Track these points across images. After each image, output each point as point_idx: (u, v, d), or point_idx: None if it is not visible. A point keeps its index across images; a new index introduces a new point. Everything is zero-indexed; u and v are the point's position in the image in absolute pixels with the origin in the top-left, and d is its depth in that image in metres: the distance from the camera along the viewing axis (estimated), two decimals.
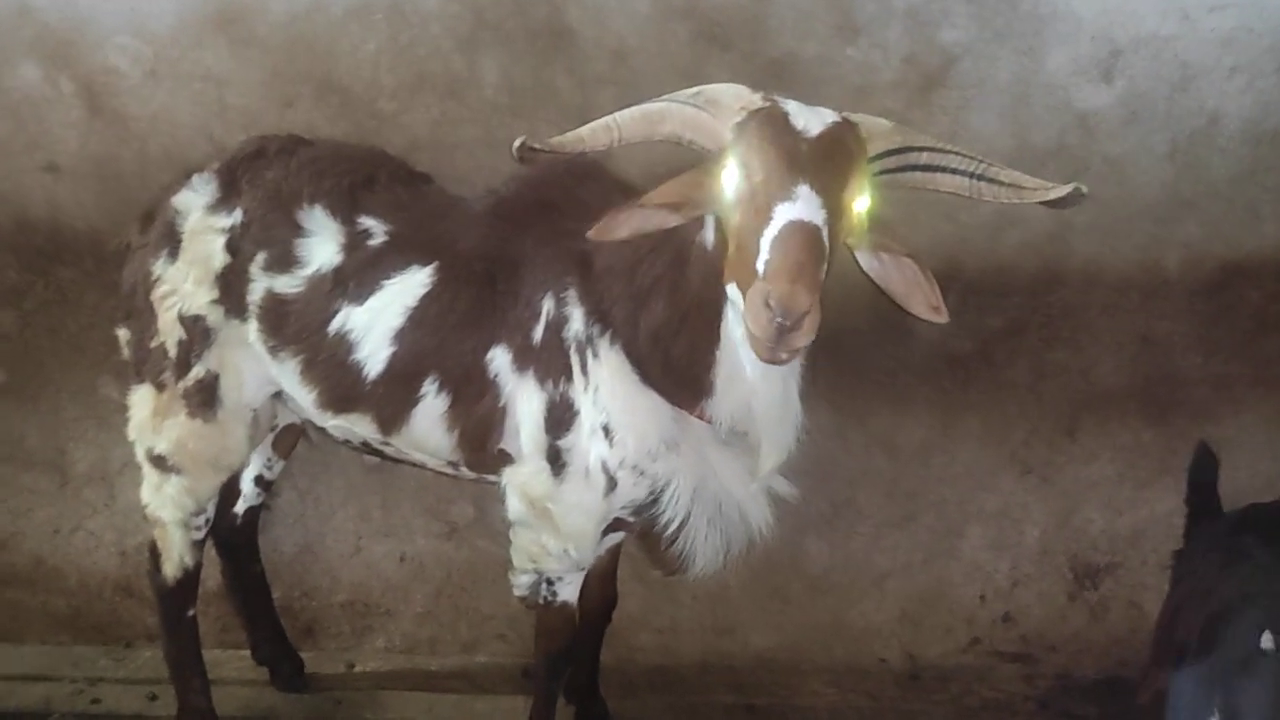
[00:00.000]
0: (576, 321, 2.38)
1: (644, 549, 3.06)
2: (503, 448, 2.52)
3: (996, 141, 3.09)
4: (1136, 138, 3.11)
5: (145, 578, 2.96)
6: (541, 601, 2.66)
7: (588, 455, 2.41)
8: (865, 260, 2.12)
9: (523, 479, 2.50)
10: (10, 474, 3.42)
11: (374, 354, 2.50)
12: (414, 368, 2.50)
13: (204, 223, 2.62)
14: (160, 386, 2.69)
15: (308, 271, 2.53)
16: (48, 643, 3.47)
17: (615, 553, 2.94)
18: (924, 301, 2.07)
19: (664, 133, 2.09)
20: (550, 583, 2.63)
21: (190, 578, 2.87)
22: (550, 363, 2.41)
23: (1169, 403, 3.35)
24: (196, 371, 2.65)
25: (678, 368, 2.28)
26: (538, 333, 2.42)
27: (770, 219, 1.89)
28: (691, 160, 2.12)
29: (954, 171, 2.04)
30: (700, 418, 2.33)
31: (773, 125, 1.97)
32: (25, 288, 3.28)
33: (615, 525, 2.59)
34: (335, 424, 2.65)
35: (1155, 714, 2.34)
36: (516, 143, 1.97)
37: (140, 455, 2.78)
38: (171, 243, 2.64)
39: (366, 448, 2.72)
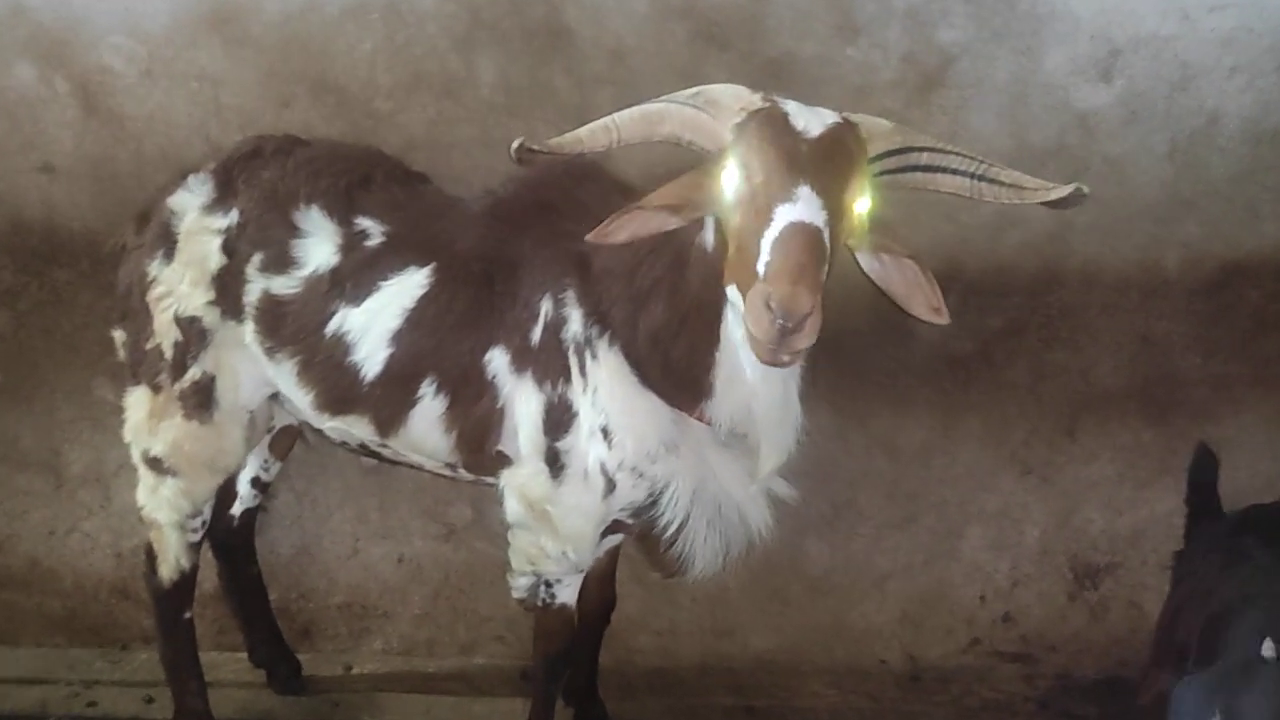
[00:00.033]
0: (575, 323, 2.36)
1: (643, 551, 3.06)
2: (501, 449, 2.50)
3: (995, 141, 3.08)
4: (1136, 137, 3.11)
5: (141, 580, 2.95)
6: (540, 604, 2.64)
7: (586, 457, 2.40)
8: (866, 261, 2.10)
9: (521, 481, 2.49)
10: (5, 475, 3.41)
11: (371, 355, 2.49)
12: (412, 369, 2.48)
13: (200, 223, 2.60)
14: (156, 388, 2.68)
15: (304, 272, 2.52)
16: (43, 645, 3.46)
17: (614, 555, 2.92)
18: (925, 303, 2.06)
19: (663, 134, 2.08)
20: (549, 585, 2.62)
21: (186, 580, 2.86)
22: (548, 364, 2.40)
23: (1169, 403, 3.35)
24: (193, 373, 2.63)
25: (677, 369, 2.26)
26: (536, 334, 2.41)
27: (771, 220, 1.88)
28: (690, 160, 2.11)
29: (955, 172, 2.03)
30: (700, 419, 2.32)
31: (773, 126, 1.96)
32: (20, 289, 3.26)
33: (614, 527, 2.58)
34: (332, 426, 2.64)
35: (1156, 715, 2.33)
36: (515, 144, 1.96)
37: (136, 457, 2.76)
38: (167, 244, 2.63)
39: (364, 449, 2.71)
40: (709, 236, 2.13)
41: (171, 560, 2.82)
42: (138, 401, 2.72)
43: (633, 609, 3.39)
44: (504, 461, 2.52)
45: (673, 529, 2.40)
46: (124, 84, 3.09)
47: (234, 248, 2.57)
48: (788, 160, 1.91)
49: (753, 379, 2.18)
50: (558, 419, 2.40)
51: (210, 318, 2.61)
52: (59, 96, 3.10)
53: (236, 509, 3.13)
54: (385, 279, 2.48)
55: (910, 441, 3.40)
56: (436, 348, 2.46)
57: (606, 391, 2.34)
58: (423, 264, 2.48)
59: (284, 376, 2.60)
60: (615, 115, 2.07)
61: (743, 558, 2.52)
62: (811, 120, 1.98)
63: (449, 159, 3.06)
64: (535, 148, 1.98)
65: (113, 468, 3.35)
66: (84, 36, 3.05)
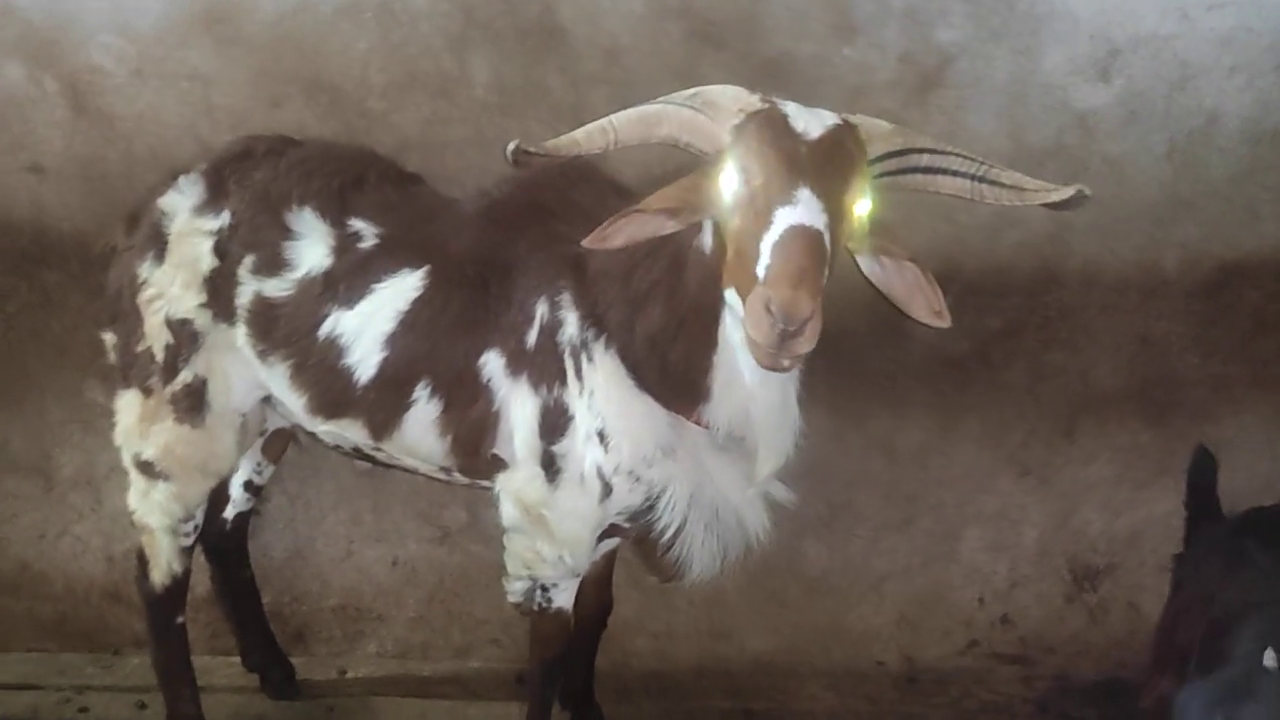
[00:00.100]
0: (571, 326, 2.34)
1: (640, 555, 3.03)
2: (496, 453, 2.48)
3: (994, 141, 3.06)
4: (1135, 137, 3.10)
5: (133, 583, 2.92)
6: (536, 608, 2.62)
7: (583, 461, 2.38)
8: (866, 264, 2.09)
9: (517, 485, 2.47)
10: None
11: (365, 359, 2.46)
12: (405, 373, 2.46)
13: (191, 225, 2.58)
14: (147, 391, 2.65)
15: (297, 275, 2.49)
16: (34, 650, 3.43)
17: (611, 558, 2.91)
18: (926, 306, 2.05)
19: (661, 135, 2.05)
20: (545, 589, 2.60)
21: (179, 585, 2.83)
22: (544, 367, 2.38)
23: (1167, 403, 3.34)
24: (184, 376, 2.61)
25: (674, 373, 2.24)
26: (531, 337, 2.39)
27: (771, 223, 1.86)
28: (688, 160, 2.09)
29: (955, 173, 2.02)
30: (697, 423, 2.30)
31: (772, 128, 1.94)
32: (9, 290, 3.23)
33: (611, 531, 2.57)
34: (326, 429, 2.61)
35: (1157, 719, 2.33)
36: (510, 146, 1.94)
37: (127, 461, 2.73)
38: (158, 245, 2.60)
39: (358, 453, 2.69)
40: (707, 239, 2.11)
41: (163, 565, 2.79)
42: (128, 405, 2.69)
43: (629, 611, 3.37)
44: (499, 465, 2.50)
45: (670, 533, 2.38)
46: (114, 83, 3.06)
47: (225, 249, 2.54)
48: (787, 162, 1.89)
49: (751, 383, 2.16)
50: (553, 422, 2.38)
51: (202, 320, 2.58)
52: (48, 96, 3.07)
53: (229, 512, 3.11)
54: (379, 281, 2.46)
55: (908, 443, 3.38)
56: (431, 351, 2.44)
57: (603, 395, 2.32)
58: (417, 266, 2.46)
59: (277, 380, 2.57)
60: (612, 117, 2.05)
61: (740, 560, 2.50)
62: (811, 122, 1.96)
63: (443, 159, 3.04)
64: (531, 150, 1.95)
65: (104, 471, 3.32)
66: (73, 35, 3.02)
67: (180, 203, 2.60)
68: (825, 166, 1.91)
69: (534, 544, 2.50)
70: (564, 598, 2.62)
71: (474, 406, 2.45)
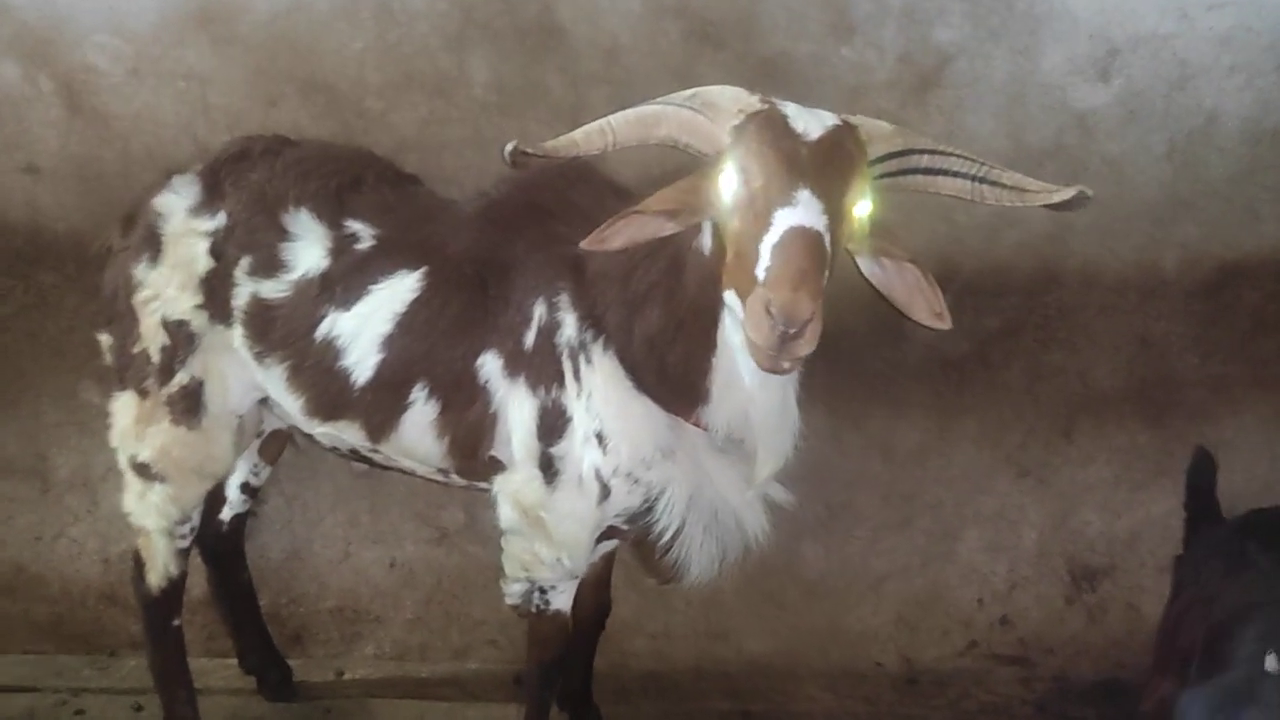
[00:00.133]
0: (569, 327, 2.33)
1: (638, 557, 3.02)
2: (494, 455, 2.47)
3: (992, 142, 3.06)
4: (1134, 137, 3.09)
5: (129, 585, 2.91)
6: (534, 610, 2.62)
7: (581, 463, 2.37)
8: (866, 266, 2.08)
9: (515, 487, 2.46)
10: None
11: (362, 360, 2.45)
12: (403, 374, 2.45)
13: (186, 226, 2.56)
14: (143, 393, 2.63)
15: (294, 276, 2.48)
16: (30, 652, 3.41)
17: (609, 560, 2.90)
18: (926, 308, 2.04)
19: (659, 136, 2.04)
20: (543, 591, 2.59)
21: (175, 587, 2.82)
22: (542, 369, 2.37)
23: (1166, 404, 3.34)
24: (180, 378, 2.59)
25: (673, 375, 2.23)
26: (529, 338, 2.38)
27: (770, 225, 1.85)
28: (686, 160, 2.08)
29: (955, 174, 2.01)
30: (696, 425, 2.29)
31: (772, 128, 1.93)
32: (4, 292, 3.22)
33: (609, 533, 2.55)
34: (323, 431, 2.60)
35: None
36: (508, 147, 1.93)
37: (123, 463, 2.72)
38: (153, 246, 2.58)
39: (355, 455, 2.67)
40: (706, 240, 2.10)
41: (160, 567, 2.78)
42: (124, 406, 2.68)
43: (627, 612, 3.36)
44: (497, 467, 2.49)
45: (668, 535, 2.38)
46: (109, 83, 3.05)
47: (222, 250, 2.53)
48: (787, 163, 1.88)
49: (750, 385, 2.15)
50: (551, 424, 2.37)
51: (198, 321, 2.57)
52: (43, 96, 3.06)
53: (226, 514, 3.09)
54: (376, 283, 2.44)
55: (906, 443, 3.38)
56: (428, 352, 2.43)
57: (601, 396, 2.31)
58: (414, 267, 2.45)
59: (273, 381, 2.56)
60: (610, 118, 2.04)
61: (738, 562, 2.49)
62: (811, 122, 1.95)
63: (440, 160, 3.03)
64: (529, 151, 1.94)
65: (100, 472, 3.31)
66: (68, 35, 3.01)
67: (176, 203, 2.59)
68: (825, 168, 1.90)
69: (532, 546, 2.49)
70: (562, 600, 2.61)
71: (472, 408, 2.44)
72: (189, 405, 2.61)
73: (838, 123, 1.97)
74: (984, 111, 3.08)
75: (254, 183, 2.54)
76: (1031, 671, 3.54)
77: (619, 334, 2.28)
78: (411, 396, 2.45)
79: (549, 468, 2.39)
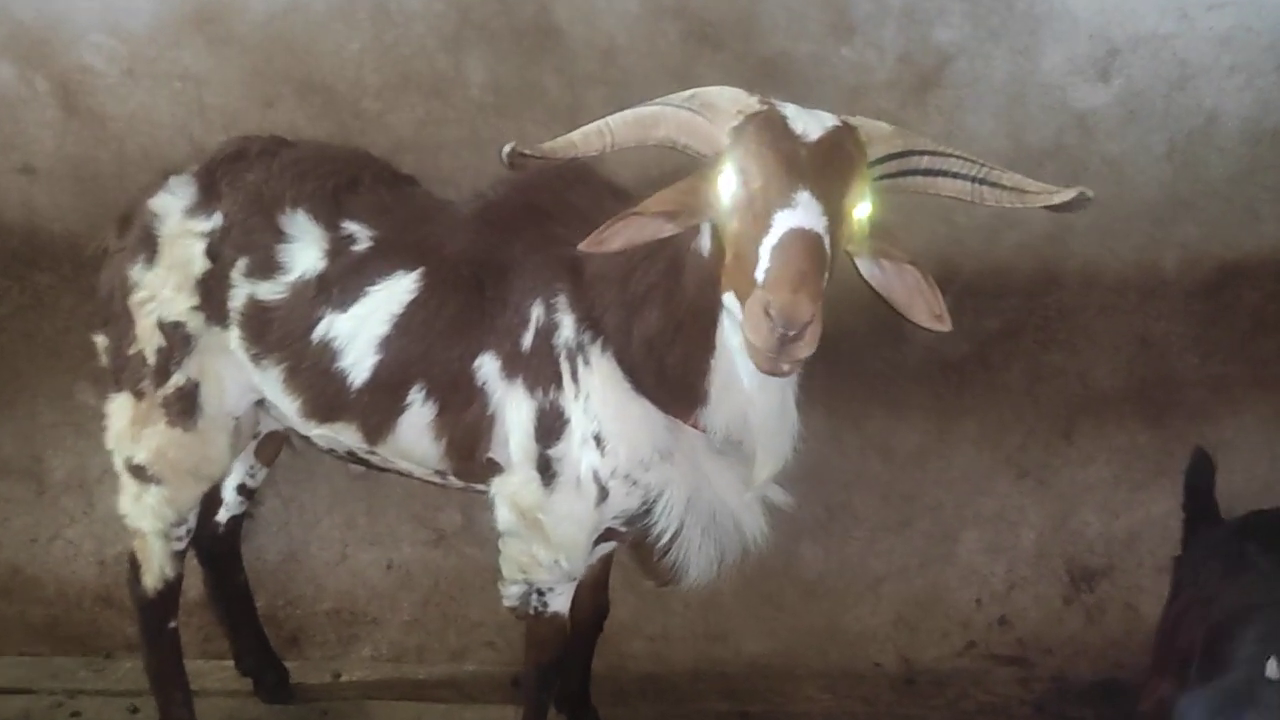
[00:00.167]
0: (567, 328, 2.32)
1: (636, 559, 3.01)
2: (491, 457, 2.46)
3: (992, 142, 3.05)
4: (1134, 137, 3.08)
5: (125, 587, 2.89)
6: (532, 612, 2.61)
7: (579, 465, 2.36)
8: (866, 267, 2.07)
9: (512, 489, 2.45)
10: None
11: (359, 362, 2.44)
12: (400, 376, 2.44)
13: (183, 227, 2.55)
14: (139, 395, 2.62)
15: (290, 278, 2.47)
16: (26, 654, 3.40)
17: (607, 562, 2.89)
18: (926, 310, 2.03)
19: (658, 137, 2.03)
20: (541, 593, 2.58)
21: (171, 589, 2.81)
22: (540, 370, 2.36)
23: (1166, 404, 3.33)
24: (176, 379, 2.58)
25: (672, 377, 2.22)
26: (527, 340, 2.37)
27: (770, 226, 1.84)
28: (685, 160, 2.07)
29: (955, 176, 2.00)
30: (694, 426, 2.28)
31: (771, 130, 1.92)
32: (0, 293, 3.20)
33: (607, 535, 2.54)
34: (320, 433, 2.59)
35: None
36: (506, 149, 1.91)
37: (119, 465, 2.71)
38: (149, 247, 2.57)
39: (352, 457, 2.66)
40: (705, 242, 2.08)
41: (155, 569, 2.77)
42: (120, 408, 2.67)
43: (625, 614, 3.35)
44: (495, 469, 2.48)
45: (667, 537, 2.37)
46: (105, 83, 3.03)
47: (218, 252, 2.51)
48: (786, 165, 1.87)
49: (749, 387, 2.14)
50: (549, 426, 2.36)
51: (194, 323, 2.55)
52: (39, 96, 3.05)
53: (222, 516, 3.08)
54: (373, 284, 2.43)
55: (905, 444, 3.37)
56: (425, 354, 2.42)
57: (599, 398, 2.30)
58: (411, 269, 2.43)
59: (270, 383, 2.55)
60: (609, 119, 2.02)
61: (737, 564, 2.48)
62: (810, 123, 1.94)
63: (437, 160, 3.02)
64: (527, 152, 1.93)
65: (96, 474, 3.29)
66: (64, 35, 3.00)
67: (172, 204, 2.57)
68: (825, 169, 1.89)
69: (530, 548, 2.48)
70: (560, 602, 2.60)
71: (469, 410, 2.43)
72: (185, 407, 2.60)
73: (837, 124, 1.96)
74: (984, 111, 3.07)
75: (250, 184, 2.53)
76: (1030, 672, 3.53)
77: (617, 335, 2.27)
78: (409, 398, 2.44)
79: (547, 469, 2.38)
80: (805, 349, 1.79)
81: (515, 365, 2.38)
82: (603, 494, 2.36)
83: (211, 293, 2.52)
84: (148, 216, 2.58)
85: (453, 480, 2.60)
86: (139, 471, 2.66)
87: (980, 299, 3.21)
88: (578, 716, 3.10)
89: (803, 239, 1.82)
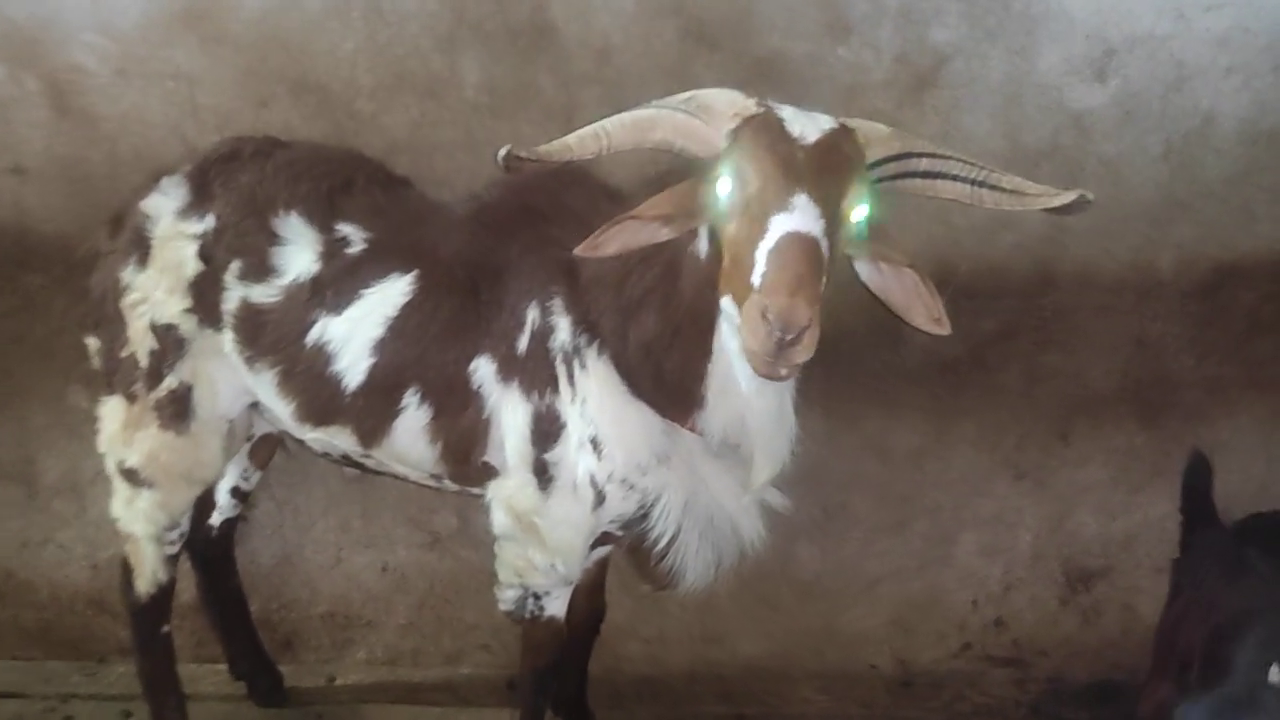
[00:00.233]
0: (563, 331, 2.31)
1: (633, 564, 3.00)
2: (487, 460, 2.45)
3: (989, 142, 3.05)
4: (1131, 138, 3.08)
5: (117, 591, 2.87)
6: (528, 616, 2.59)
7: (575, 469, 2.34)
8: (864, 271, 2.06)
9: (508, 493, 2.43)
10: None
11: (353, 365, 2.42)
12: (395, 379, 2.42)
13: (175, 228, 2.53)
14: (131, 398, 2.60)
15: (284, 281, 2.45)
16: (18, 658, 3.38)
17: (603, 565, 2.88)
18: (925, 313, 2.02)
19: (654, 140, 2.02)
20: (537, 597, 2.56)
21: (164, 594, 2.79)
22: (536, 373, 2.35)
23: (1162, 405, 3.33)
24: (169, 382, 2.56)
25: (669, 380, 2.21)
26: (522, 343, 2.35)
27: (766, 230, 1.83)
28: (681, 161, 2.05)
29: (954, 178, 1.99)
30: (691, 430, 2.26)
31: (768, 132, 1.90)
32: None
33: (603, 539, 2.54)
34: (314, 437, 2.57)
35: None
36: (502, 151, 1.90)
37: (111, 468, 2.69)
38: (141, 249, 2.55)
39: (347, 460, 2.65)
40: (703, 245, 2.07)
41: (148, 573, 2.75)
42: (112, 411, 2.65)
43: (621, 616, 3.33)
44: (491, 473, 2.46)
45: (664, 542, 2.36)
46: (96, 83, 3.01)
47: (211, 254, 2.49)
48: (783, 168, 1.86)
49: (747, 390, 2.13)
50: (546, 430, 2.35)
51: (187, 326, 2.53)
52: (29, 96, 3.02)
53: (215, 519, 3.06)
54: (367, 287, 2.42)
55: (902, 445, 3.37)
56: (420, 357, 2.40)
57: (596, 402, 2.29)
58: (406, 271, 2.42)
59: (264, 386, 2.53)
60: (605, 122, 2.01)
61: (734, 568, 2.47)
62: (808, 126, 1.92)
63: (432, 161, 3.01)
64: (523, 155, 1.92)
65: (88, 477, 3.27)
66: (55, 34, 2.97)
67: (164, 205, 2.55)
68: (822, 172, 1.88)
69: (526, 552, 2.47)
70: (556, 606, 2.58)
71: (464, 413, 2.41)
72: (178, 410, 2.58)
73: (835, 126, 1.95)
74: (980, 112, 3.06)
75: (244, 185, 2.51)
76: (1026, 673, 3.53)
77: (614, 339, 2.26)
78: (403, 401, 2.43)
79: (543, 473, 2.37)
80: (803, 353, 1.78)
81: (511, 368, 2.36)
82: (599, 498, 2.34)
83: (204, 295, 2.51)
84: (140, 218, 2.56)
85: (448, 484, 2.59)
86: (131, 475, 2.65)
87: (977, 300, 3.20)
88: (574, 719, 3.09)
89: (800, 243, 1.81)
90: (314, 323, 2.43)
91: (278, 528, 3.38)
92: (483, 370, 2.39)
